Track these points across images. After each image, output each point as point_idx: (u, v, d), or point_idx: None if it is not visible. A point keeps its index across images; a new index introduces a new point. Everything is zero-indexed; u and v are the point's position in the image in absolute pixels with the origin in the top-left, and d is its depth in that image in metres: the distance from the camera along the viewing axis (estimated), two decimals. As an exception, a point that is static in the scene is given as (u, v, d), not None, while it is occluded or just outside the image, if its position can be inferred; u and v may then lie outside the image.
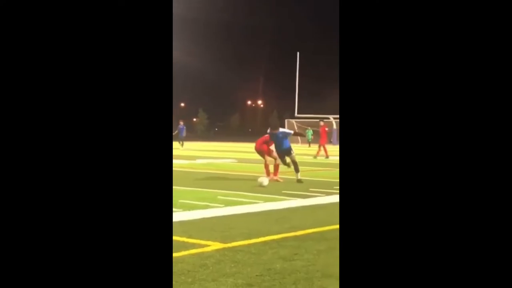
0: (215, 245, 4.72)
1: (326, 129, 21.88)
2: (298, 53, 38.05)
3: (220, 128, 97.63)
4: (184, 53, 70.39)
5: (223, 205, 7.22)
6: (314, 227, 5.65)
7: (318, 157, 19.68)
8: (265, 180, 9.68)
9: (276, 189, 9.06)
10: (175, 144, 23.53)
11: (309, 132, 33.44)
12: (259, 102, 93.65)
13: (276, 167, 10.91)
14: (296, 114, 38.00)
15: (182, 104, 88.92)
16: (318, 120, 25.16)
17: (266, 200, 7.85)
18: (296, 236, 5.18)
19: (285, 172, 11.61)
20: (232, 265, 4.05)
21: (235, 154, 22.41)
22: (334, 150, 21.35)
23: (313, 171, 13.54)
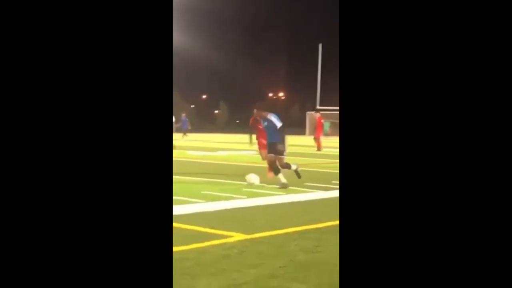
0: (238, 236, 4.76)
1: (322, 121, 21.10)
2: (320, 44, 37.87)
3: (242, 120, 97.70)
4: (206, 45, 70.48)
5: (245, 197, 7.26)
6: (335, 220, 5.65)
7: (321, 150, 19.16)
8: (254, 178, 8.46)
9: (298, 181, 9.07)
10: (177, 136, 23.32)
11: (327, 124, 32.96)
12: (281, 94, 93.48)
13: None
14: (317, 106, 37.86)
15: (204, 96, 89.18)
16: (334, 112, 24.31)
17: (288, 192, 7.87)
18: (318, 229, 5.20)
19: (307, 164, 11.57)
20: (255, 256, 4.08)
21: (256, 146, 22.43)
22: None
23: (335, 164, 13.51)
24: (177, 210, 6.13)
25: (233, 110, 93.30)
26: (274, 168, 8.66)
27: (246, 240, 4.64)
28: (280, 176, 8.49)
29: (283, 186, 8.28)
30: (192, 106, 77.03)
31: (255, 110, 9.52)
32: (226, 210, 6.26)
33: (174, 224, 5.33)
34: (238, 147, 21.42)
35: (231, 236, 4.76)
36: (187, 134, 28.82)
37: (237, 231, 4.97)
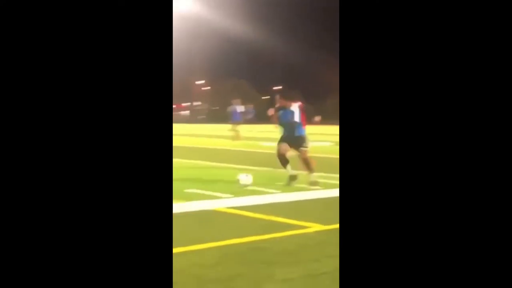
0: (315, 227, 4.75)
1: None
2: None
3: (317, 111, 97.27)
4: (282, 37, 70.69)
5: (322, 188, 7.23)
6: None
7: None
8: (244, 178, 7.29)
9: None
10: (243, 127, 22.93)
11: None
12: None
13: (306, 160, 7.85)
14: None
15: (277, 88, 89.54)
16: None
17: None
18: (397, 220, 5.10)
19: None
20: (334, 247, 4.05)
21: (331, 137, 22.28)
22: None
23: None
24: (254, 200, 6.20)
25: (306, 101, 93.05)
26: (283, 160, 7.57)
27: (324, 230, 4.62)
28: (289, 167, 7.51)
29: (292, 179, 7.34)
30: (265, 97, 77.51)
31: (277, 97, 8.08)
32: (304, 201, 6.26)
33: (251, 214, 5.39)
34: (313, 138, 21.36)
35: (308, 227, 4.75)
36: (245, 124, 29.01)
37: (314, 221, 4.95)
